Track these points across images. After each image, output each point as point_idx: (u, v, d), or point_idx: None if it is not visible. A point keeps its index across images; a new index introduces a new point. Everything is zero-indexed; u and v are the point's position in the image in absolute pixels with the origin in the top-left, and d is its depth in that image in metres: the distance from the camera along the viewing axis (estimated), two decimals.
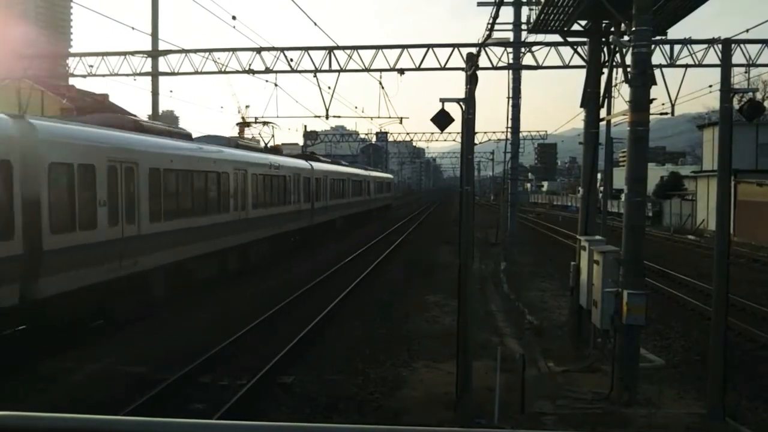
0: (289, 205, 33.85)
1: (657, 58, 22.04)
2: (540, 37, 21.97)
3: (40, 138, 14.62)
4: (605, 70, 16.45)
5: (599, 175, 20.65)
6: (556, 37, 19.26)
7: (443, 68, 23.95)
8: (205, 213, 22.87)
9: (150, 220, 18.91)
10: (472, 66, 13.11)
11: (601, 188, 21.09)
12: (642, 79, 12.68)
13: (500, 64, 24.47)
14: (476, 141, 18.16)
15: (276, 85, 30.65)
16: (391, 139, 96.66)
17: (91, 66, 26.19)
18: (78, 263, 15.44)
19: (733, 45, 20.48)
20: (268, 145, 39.88)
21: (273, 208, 30.88)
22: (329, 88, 28.12)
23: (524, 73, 34.39)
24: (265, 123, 41.38)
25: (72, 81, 45.27)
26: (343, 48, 25.06)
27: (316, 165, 42.07)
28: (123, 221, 17.46)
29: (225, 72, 26.11)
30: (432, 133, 78.06)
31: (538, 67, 23.74)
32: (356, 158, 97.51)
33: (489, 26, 24.09)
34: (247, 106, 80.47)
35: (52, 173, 14.86)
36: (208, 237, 22.80)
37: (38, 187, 14.34)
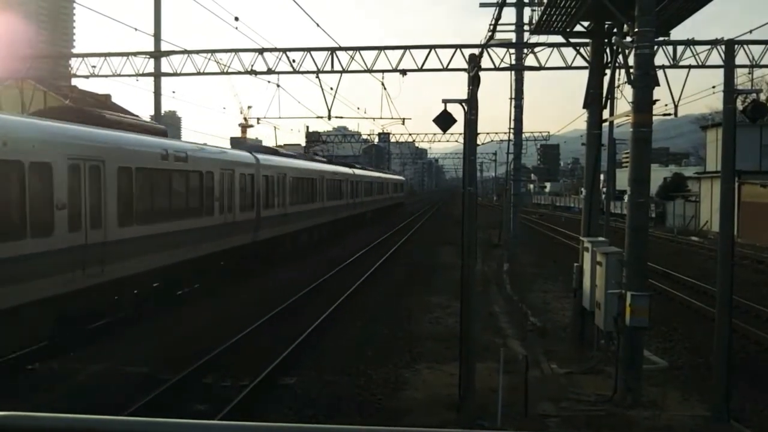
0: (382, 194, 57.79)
1: (660, 59, 22.03)
2: (542, 38, 21.98)
3: None
4: (608, 71, 16.41)
5: (602, 176, 20.61)
6: (559, 38, 19.23)
7: (446, 69, 23.94)
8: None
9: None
10: (474, 67, 13.06)
11: (604, 189, 21.04)
12: (645, 80, 12.64)
13: (503, 65, 24.45)
14: (479, 142, 18.14)
15: (278, 85, 30.67)
16: (393, 139, 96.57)
17: (94, 66, 26.20)
18: None
19: (736, 46, 20.39)
20: (271, 146, 40.07)
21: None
22: (331, 88, 28.11)
23: (527, 74, 34.42)
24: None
25: (74, 81, 45.24)
26: (346, 49, 25.05)
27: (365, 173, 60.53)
28: None
29: (227, 73, 26.11)
30: (434, 134, 78.15)
31: (540, 68, 23.72)
32: (358, 159, 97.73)
33: (491, 27, 24.14)
34: (249, 107, 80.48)
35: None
36: None
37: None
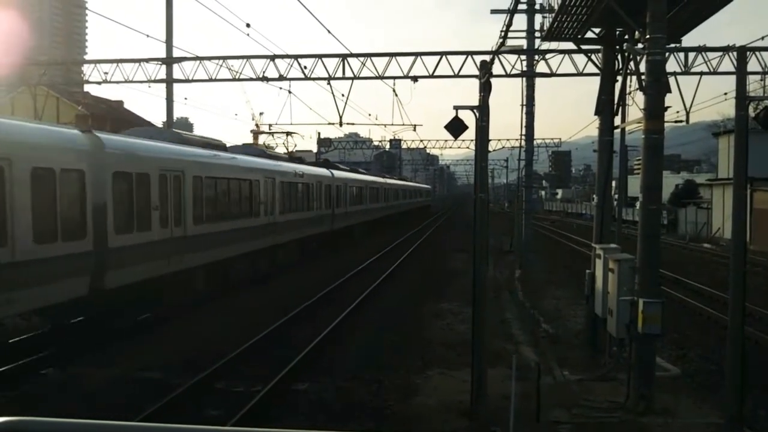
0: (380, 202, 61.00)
1: (671, 65, 22.10)
2: (553, 45, 22.02)
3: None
4: (619, 78, 16.39)
5: (614, 183, 20.57)
6: (570, 45, 19.26)
7: (457, 76, 24.00)
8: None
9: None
10: (485, 73, 13.08)
11: (616, 196, 21.01)
12: (656, 87, 12.62)
13: (514, 72, 24.50)
14: (490, 148, 18.15)
15: (290, 92, 30.83)
16: (404, 146, 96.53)
17: (106, 73, 26.40)
18: None
19: (748, 52, 20.37)
20: (284, 153, 41.66)
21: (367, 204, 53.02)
22: (343, 95, 28.21)
23: (538, 81, 34.41)
24: (288, 133, 44.87)
25: (87, 88, 45.47)
26: (357, 55, 25.14)
27: (392, 181, 75.02)
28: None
29: (239, 79, 26.25)
30: (446, 140, 78.31)
31: (551, 74, 23.77)
32: (370, 165, 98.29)
33: (502, 34, 24.09)
34: (261, 114, 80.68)
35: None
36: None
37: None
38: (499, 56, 23.49)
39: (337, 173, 43.32)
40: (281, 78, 25.69)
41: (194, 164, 21.06)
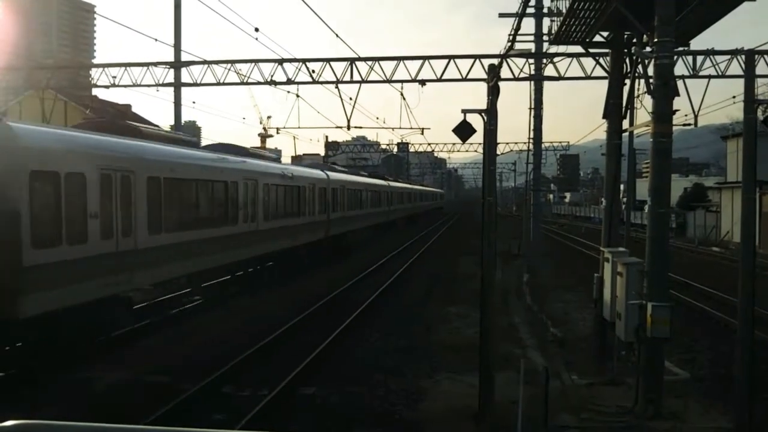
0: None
1: (680, 68, 21.96)
2: (562, 48, 21.95)
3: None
4: (627, 81, 16.36)
5: (622, 186, 20.52)
6: (578, 49, 19.20)
7: (465, 79, 23.95)
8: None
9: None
10: (493, 77, 13.08)
11: (625, 199, 20.95)
12: (665, 91, 12.60)
13: (522, 75, 24.44)
14: (498, 152, 18.12)
15: (298, 96, 30.78)
16: (412, 149, 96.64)
17: (114, 77, 26.41)
18: None
19: (757, 56, 20.31)
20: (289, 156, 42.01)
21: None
22: (351, 99, 28.23)
23: (546, 84, 34.35)
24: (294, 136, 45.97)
25: (95, 92, 45.64)
26: (365, 59, 25.13)
27: (398, 184, 76.20)
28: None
29: (247, 83, 26.26)
30: (453, 144, 78.16)
31: (560, 78, 23.69)
32: (377, 168, 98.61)
33: (511, 37, 24.13)
34: (269, 117, 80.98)
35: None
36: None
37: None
38: (508, 60, 23.46)
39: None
40: (289, 82, 25.69)
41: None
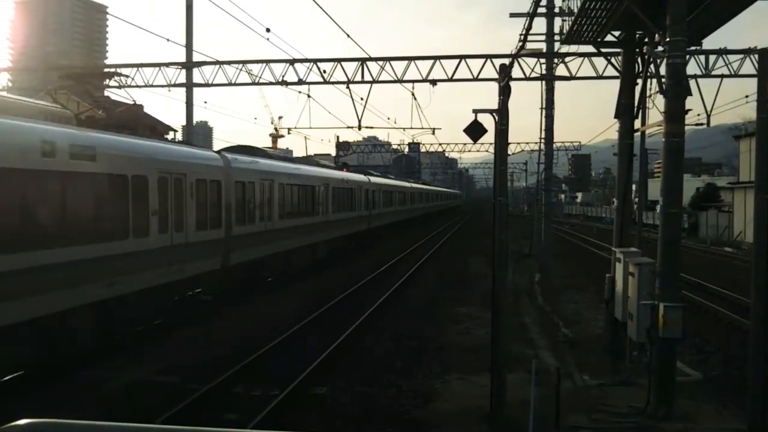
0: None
1: (692, 68, 21.94)
2: (573, 48, 21.91)
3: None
4: (639, 81, 16.30)
5: (634, 187, 20.45)
6: (590, 48, 19.18)
7: (476, 79, 23.96)
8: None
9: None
10: (505, 77, 13.05)
11: (636, 199, 20.89)
12: (677, 90, 12.54)
13: (533, 75, 24.44)
14: (509, 152, 18.10)
15: (309, 96, 30.83)
16: (423, 149, 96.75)
17: (127, 77, 26.51)
18: None
19: None
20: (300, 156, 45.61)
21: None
22: (362, 99, 28.27)
23: (557, 84, 34.30)
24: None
25: (107, 92, 45.75)
26: (376, 59, 25.17)
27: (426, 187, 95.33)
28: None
29: (258, 83, 26.35)
30: (465, 144, 78.28)
31: (571, 77, 23.68)
32: (388, 168, 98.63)
33: (522, 37, 24.08)
34: (280, 117, 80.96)
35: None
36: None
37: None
38: (519, 59, 23.44)
39: (373, 179, 51.25)
40: (300, 82, 25.77)
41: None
